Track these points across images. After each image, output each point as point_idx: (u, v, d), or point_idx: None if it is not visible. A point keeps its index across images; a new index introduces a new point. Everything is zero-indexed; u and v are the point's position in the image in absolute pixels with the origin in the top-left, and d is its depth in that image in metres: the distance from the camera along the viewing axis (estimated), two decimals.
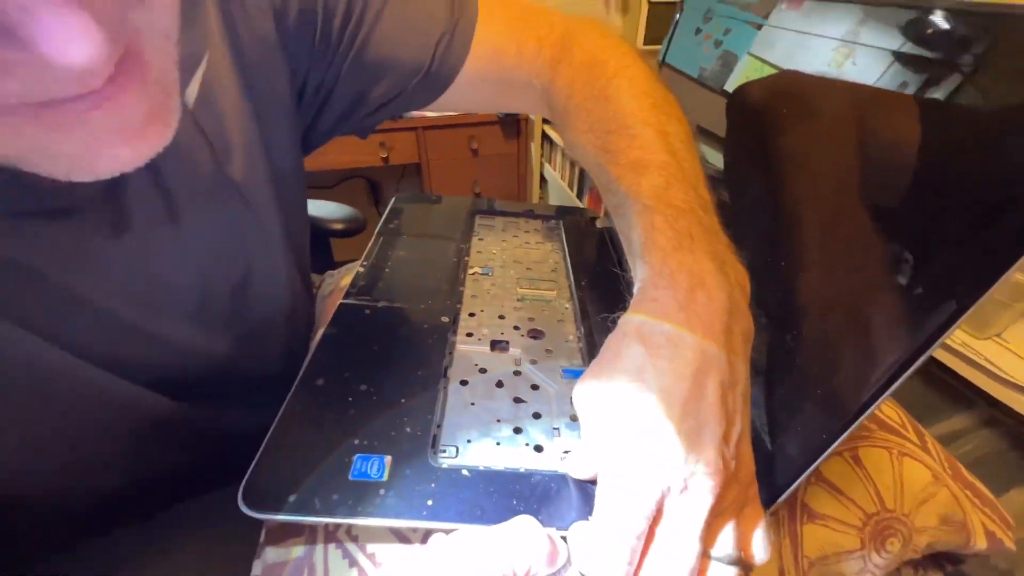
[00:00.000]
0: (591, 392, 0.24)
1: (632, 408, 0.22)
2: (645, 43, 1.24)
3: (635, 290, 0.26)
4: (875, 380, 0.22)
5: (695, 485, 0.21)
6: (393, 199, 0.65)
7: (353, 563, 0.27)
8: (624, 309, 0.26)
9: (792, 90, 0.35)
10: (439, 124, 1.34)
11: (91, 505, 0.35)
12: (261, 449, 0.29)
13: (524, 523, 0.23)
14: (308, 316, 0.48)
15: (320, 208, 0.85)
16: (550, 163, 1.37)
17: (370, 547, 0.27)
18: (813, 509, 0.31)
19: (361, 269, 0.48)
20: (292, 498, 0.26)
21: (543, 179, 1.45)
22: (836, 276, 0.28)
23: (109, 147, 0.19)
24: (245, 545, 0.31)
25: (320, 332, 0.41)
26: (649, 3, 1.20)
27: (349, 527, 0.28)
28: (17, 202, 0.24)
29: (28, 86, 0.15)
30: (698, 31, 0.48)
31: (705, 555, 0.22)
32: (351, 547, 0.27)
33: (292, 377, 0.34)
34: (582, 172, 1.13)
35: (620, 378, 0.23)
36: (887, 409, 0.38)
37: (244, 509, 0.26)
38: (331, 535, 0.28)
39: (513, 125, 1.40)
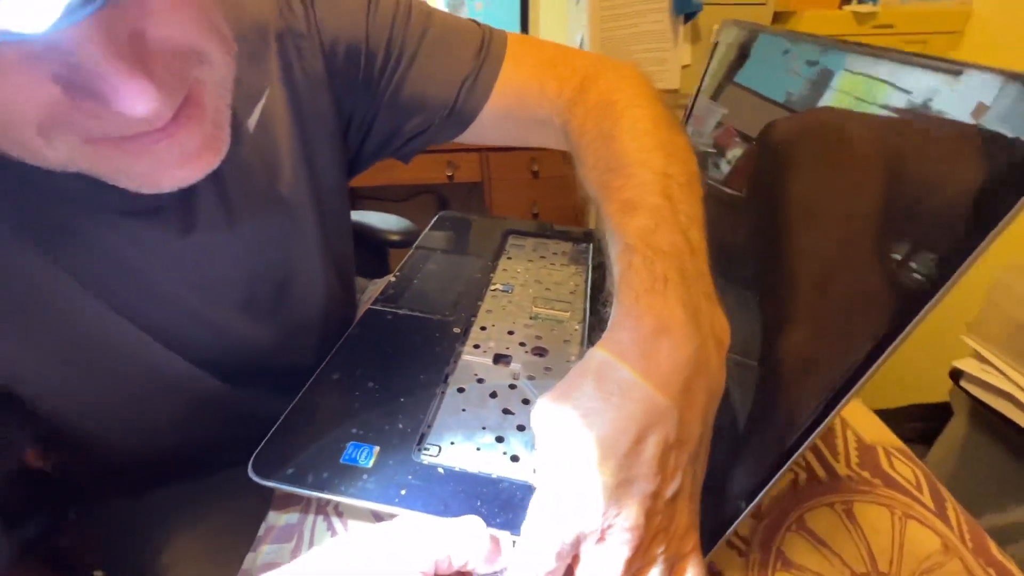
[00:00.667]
0: (544, 414, 0.25)
1: (570, 447, 0.22)
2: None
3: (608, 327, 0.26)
4: (802, 418, 0.22)
5: (611, 537, 0.21)
6: (437, 216, 0.69)
7: (334, 534, 0.30)
8: None
9: (821, 127, 0.35)
10: (502, 147, 1.40)
11: (150, 463, 0.42)
12: (274, 428, 0.34)
13: (470, 520, 0.25)
14: (346, 317, 0.53)
15: (379, 219, 0.93)
16: None
17: (351, 523, 0.31)
18: (788, 558, 0.30)
19: (392, 279, 0.53)
20: (290, 471, 0.31)
21: None
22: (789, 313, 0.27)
23: (169, 169, 0.25)
24: (261, 510, 0.36)
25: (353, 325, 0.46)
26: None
27: (336, 504, 0.32)
28: (119, 203, 0.31)
29: (109, 127, 0.21)
30: (786, 51, 0.46)
31: None
32: (335, 521, 0.31)
33: None
34: None
35: (570, 412, 0.23)
36: (901, 466, 0.36)
37: (251, 475, 0.30)
38: (321, 508, 0.31)
39: None
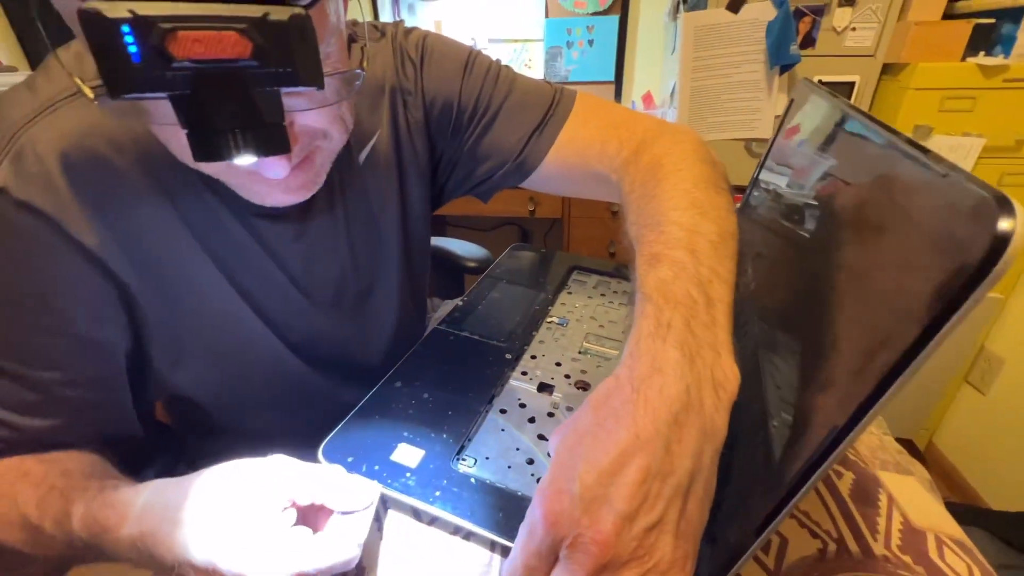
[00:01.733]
0: (557, 437, 0.27)
1: (561, 461, 0.24)
2: None
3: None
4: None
5: (579, 545, 0.22)
6: (509, 248, 0.75)
7: (376, 518, 0.35)
8: None
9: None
10: None
11: (243, 431, 0.51)
12: (343, 421, 0.40)
13: (332, 468, 0.31)
14: (415, 328, 0.61)
15: (459, 246, 1.00)
16: None
17: (390, 512, 0.35)
18: None
19: (460, 303, 0.59)
20: (350, 459, 0.36)
21: None
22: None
23: (273, 194, 0.36)
24: None
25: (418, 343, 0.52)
26: (820, 82, 1.15)
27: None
28: (255, 207, 0.39)
29: (256, 176, 0.29)
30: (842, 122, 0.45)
31: None
32: (379, 508, 0.35)
33: None
34: None
35: (570, 434, 0.25)
36: (953, 559, 0.33)
37: (321, 457, 0.36)
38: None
39: None
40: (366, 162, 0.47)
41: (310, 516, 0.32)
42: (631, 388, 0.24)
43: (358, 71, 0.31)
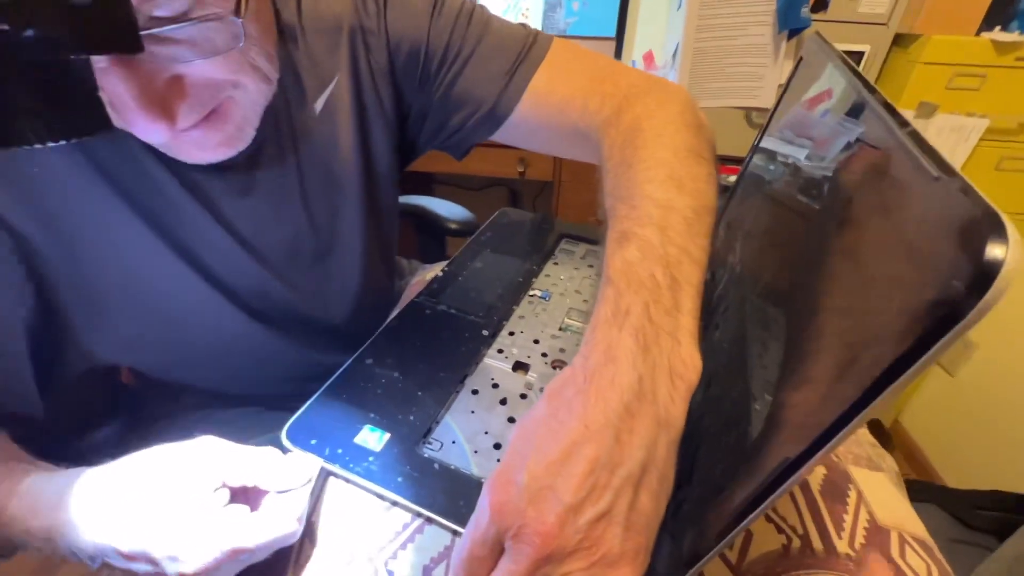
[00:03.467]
0: (516, 428, 0.26)
1: (516, 452, 0.24)
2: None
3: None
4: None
5: (522, 535, 0.21)
6: (497, 212, 0.72)
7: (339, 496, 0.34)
8: None
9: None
10: None
11: (200, 391, 0.49)
12: (308, 402, 0.38)
13: (266, 449, 0.30)
14: (383, 291, 0.57)
15: (443, 207, 0.96)
16: None
17: (353, 492, 0.34)
18: None
19: (439, 273, 0.56)
20: (313, 442, 0.35)
21: None
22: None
23: (192, 152, 0.34)
24: None
25: (392, 315, 0.50)
26: None
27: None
28: (189, 165, 0.37)
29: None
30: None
31: None
32: (342, 485, 0.34)
33: (367, 335, 0.45)
34: None
35: (527, 425, 0.24)
36: (914, 559, 0.33)
37: (284, 440, 0.35)
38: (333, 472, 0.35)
39: None
40: (323, 110, 0.43)
41: (245, 498, 0.31)
42: (583, 378, 0.23)
43: (233, 19, 0.28)
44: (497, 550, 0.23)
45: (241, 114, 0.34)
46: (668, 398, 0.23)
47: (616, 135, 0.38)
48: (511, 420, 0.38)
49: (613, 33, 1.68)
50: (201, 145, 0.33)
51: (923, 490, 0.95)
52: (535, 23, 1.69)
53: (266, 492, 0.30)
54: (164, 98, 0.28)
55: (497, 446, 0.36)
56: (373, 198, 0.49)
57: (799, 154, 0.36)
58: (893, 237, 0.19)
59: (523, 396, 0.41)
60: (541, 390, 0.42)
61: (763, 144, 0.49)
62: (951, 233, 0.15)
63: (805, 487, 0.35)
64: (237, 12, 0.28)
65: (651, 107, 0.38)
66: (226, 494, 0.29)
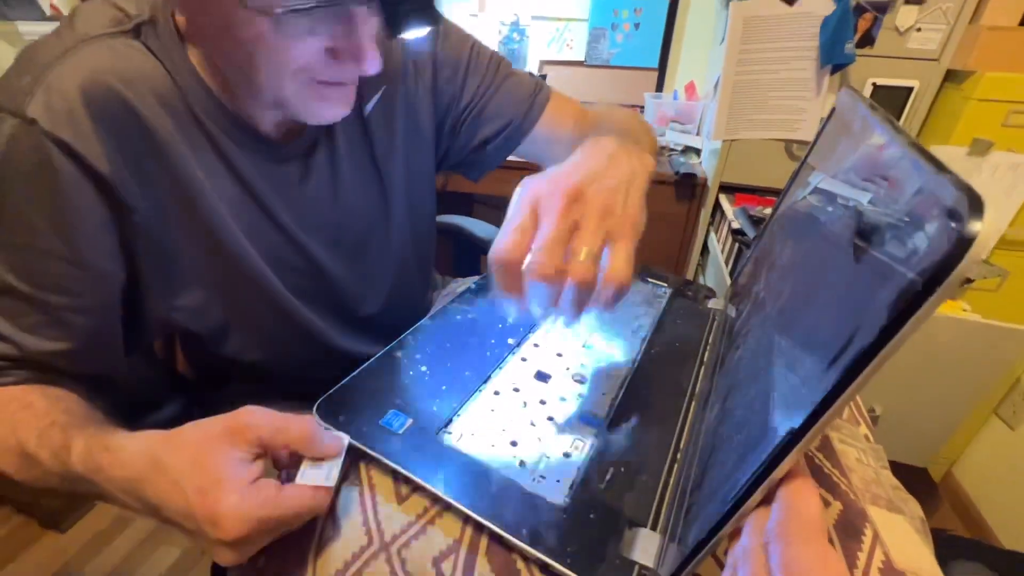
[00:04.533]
0: (534, 179, 0.34)
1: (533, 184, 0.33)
2: None
3: None
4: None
5: (550, 201, 0.32)
6: None
7: (358, 474, 0.36)
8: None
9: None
10: None
11: (246, 373, 0.55)
12: (339, 384, 0.41)
13: (305, 418, 0.32)
14: (416, 292, 0.64)
15: (479, 227, 1.00)
16: (716, 233, 1.32)
17: (374, 470, 0.37)
18: None
19: (473, 285, 0.59)
20: (342, 419, 0.38)
21: (705, 247, 1.40)
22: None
23: (335, 109, 0.42)
24: None
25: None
26: (875, 86, 1.09)
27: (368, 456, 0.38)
28: (266, 152, 0.45)
29: (342, 75, 0.39)
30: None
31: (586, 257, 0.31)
32: (362, 466, 0.37)
33: (398, 333, 0.49)
34: (740, 249, 1.08)
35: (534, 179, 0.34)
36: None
37: (315, 415, 0.38)
38: (359, 453, 0.38)
39: (688, 189, 1.40)
40: (373, 113, 0.51)
41: (284, 462, 0.34)
42: (580, 153, 0.37)
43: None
44: (533, 230, 0.31)
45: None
46: (638, 160, 0.37)
47: (587, 125, 0.57)
48: (529, 423, 0.40)
49: (656, 64, 1.72)
50: (346, 101, 0.42)
51: (971, 547, 0.88)
52: (579, 54, 1.75)
53: (301, 459, 0.33)
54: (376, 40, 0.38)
55: (514, 443, 0.38)
56: (412, 199, 0.57)
57: (819, 187, 0.37)
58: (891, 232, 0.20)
59: (543, 402, 0.43)
60: (562, 399, 0.43)
61: (795, 182, 0.50)
62: (936, 214, 0.16)
63: None
64: None
65: (614, 109, 0.59)
66: (265, 464, 0.31)
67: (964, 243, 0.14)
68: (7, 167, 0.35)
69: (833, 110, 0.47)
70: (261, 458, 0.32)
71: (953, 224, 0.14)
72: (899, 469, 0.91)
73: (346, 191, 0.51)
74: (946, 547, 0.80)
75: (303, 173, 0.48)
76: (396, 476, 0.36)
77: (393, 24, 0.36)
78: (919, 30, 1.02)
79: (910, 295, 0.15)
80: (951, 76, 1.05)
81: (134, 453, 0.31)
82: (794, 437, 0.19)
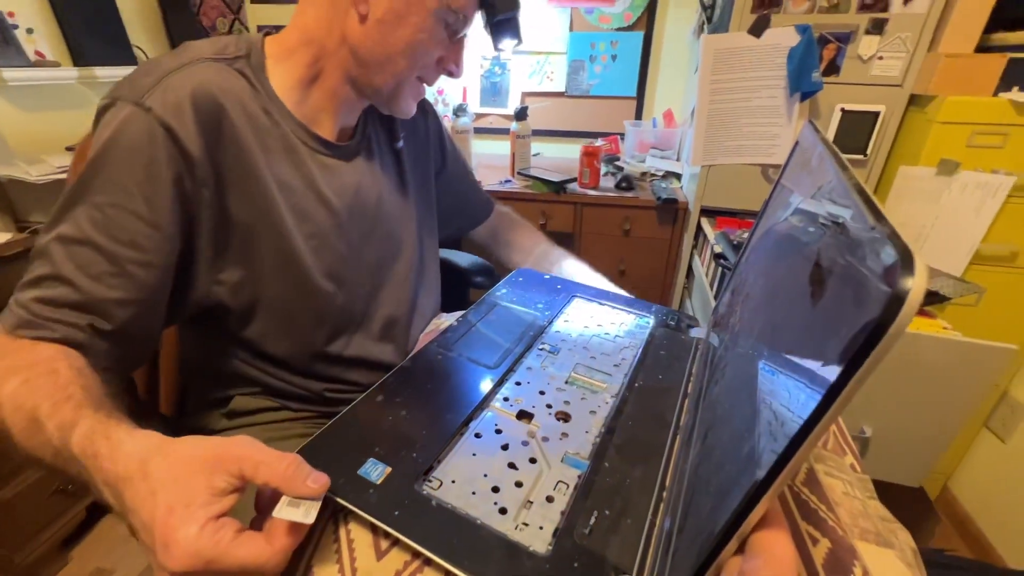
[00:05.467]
0: None
1: None
2: None
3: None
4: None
5: None
6: (515, 270, 0.75)
7: (335, 522, 0.35)
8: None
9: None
10: (598, 203, 1.44)
11: (272, 363, 0.57)
12: (319, 431, 0.41)
13: (290, 456, 0.31)
14: (429, 294, 0.72)
15: (467, 260, 1.01)
16: (700, 256, 1.34)
17: (352, 523, 0.36)
18: None
19: (454, 322, 0.59)
20: (319, 468, 0.37)
21: (690, 270, 1.42)
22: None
23: (413, 107, 0.58)
24: None
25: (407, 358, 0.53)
26: (843, 111, 1.13)
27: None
28: (315, 146, 0.55)
29: (435, 76, 0.57)
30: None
31: None
32: (340, 518, 0.36)
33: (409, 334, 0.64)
34: (723, 273, 1.09)
35: None
36: None
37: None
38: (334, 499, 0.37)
39: (670, 214, 1.42)
40: (401, 148, 0.66)
41: (265, 501, 0.33)
42: None
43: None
44: None
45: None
46: None
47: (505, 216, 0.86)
48: (511, 466, 0.40)
49: (634, 93, 1.77)
50: (417, 99, 0.58)
51: (974, 569, 0.87)
52: (559, 85, 1.80)
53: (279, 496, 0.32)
54: None
55: (495, 489, 0.37)
56: (422, 220, 0.69)
57: (780, 218, 0.38)
58: (837, 276, 0.21)
59: (524, 443, 0.42)
60: (544, 439, 0.43)
61: (767, 210, 0.51)
62: (875, 273, 0.16)
63: (809, 561, 0.35)
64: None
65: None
66: (240, 499, 0.31)
67: (897, 303, 0.14)
68: (115, 141, 0.42)
69: (797, 143, 0.49)
70: (237, 492, 0.31)
71: (886, 286, 0.15)
72: (894, 490, 0.91)
73: (383, 195, 0.61)
74: (947, 570, 0.79)
75: (351, 168, 0.58)
76: (375, 529, 0.35)
77: (495, 37, 0.54)
78: (881, 58, 1.07)
79: (851, 353, 0.15)
80: (915, 100, 1.09)
81: (130, 451, 0.32)
82: (760, 487, 0.19)
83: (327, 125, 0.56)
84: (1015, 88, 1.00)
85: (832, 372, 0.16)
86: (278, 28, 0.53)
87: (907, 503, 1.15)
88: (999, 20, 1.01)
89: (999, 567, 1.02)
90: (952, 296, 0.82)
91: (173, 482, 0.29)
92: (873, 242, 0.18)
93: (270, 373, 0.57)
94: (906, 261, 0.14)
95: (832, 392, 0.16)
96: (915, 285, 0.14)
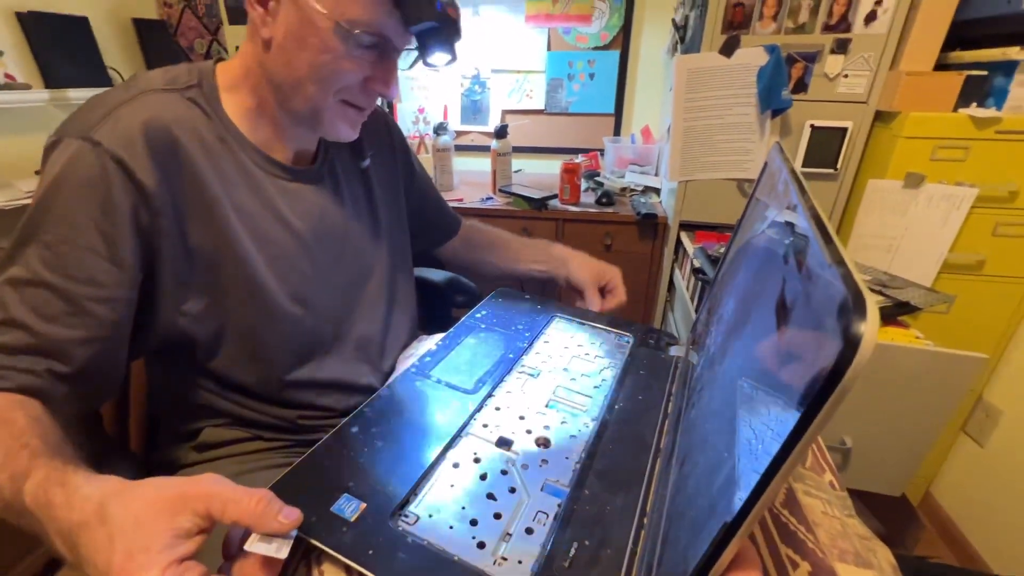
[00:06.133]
0: None
1: None
2: (804, 165, 1.19)
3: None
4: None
5: None
6: (494, 291, 0.74)
7: (308, 561, 0.34)
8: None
9: None
10: (579, 219, 1.45)
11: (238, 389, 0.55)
12: (293, 466, 0.39)
13: (259, 492, 0.30)
14: (407, 312, 0.71)
15: (448, 279, 1.00)
16: (680, 270, 1.36)
17: (326, 563, 0.35)
18: None
19: (433, 347, 0.59)
20: (292, 506, 0.36)
21: (672, 284, 1.43)
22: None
23: (348, 131, 0.55)
24: None
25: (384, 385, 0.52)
26: (812, 127, 1.16)
27: None
28: (274, 171, 0.54)
29: (365, 100, 0.53)
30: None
31: None
32: (313, 555, 0.35)
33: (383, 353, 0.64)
34: (703, 287, 1.10)
35: None
36: None
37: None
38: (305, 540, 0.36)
39: (651, 228, 1.44)
40: (367, 167, 0.65)
41: (235, 544, 0.32)
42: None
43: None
44: None
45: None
46: None
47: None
48: (490, 496, 0.39)
49: (612, 110, 1.80)
50: (355, 124, 0.55)
51: None
52: (539, 103, 1.82)
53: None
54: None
55: (474, 522, 0.36)
56: (394, 242, 0.68)
57: (747, 239, 0.39)
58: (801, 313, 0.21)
59: (504, 472, 0.42)
60: (523, 467, 0.42)
61: (742, 225, 0.52)
62: (829, 315, 0.17)
63: None
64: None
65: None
66: (198, 541, 0.30)
67: (851, 347, 0.14)
68: (64, 178, 0.42)
69: (766, 164, 0.50)
70: (204, 533, 0.30)
71: (840, 336, 0.15)
72: (877, 499, 0.91)
73: (350, 217, 0.61)
74: None
75: (314, 191, 0.57)
76: (348, 570, 0.34)
77: (422, 51, 0.50)
78: (846, 76, 1.10)
79: (809, 400, 0.15)
80: (880, 117, 1.13)
81: (86, 496, 0.30)
82: (728, 530, 0.19)
83: (282, 150, 0.55)
84: (973, 104, 1.04)
85: (791, 419, 0.16)
86: None
87: (890, 513, 1.16)
88: (955, 39, 1.06)
89: (984, 572, 1.03)
90: (923, 306, 0.83)
91: (133, 526, 0.28)
92: (828, 285, 0.18)
93: (240, 403, 0.55)
94: (859, 307, 0.15)
95: (792, 439, 0.16)
96: (867, 331, 0.14)
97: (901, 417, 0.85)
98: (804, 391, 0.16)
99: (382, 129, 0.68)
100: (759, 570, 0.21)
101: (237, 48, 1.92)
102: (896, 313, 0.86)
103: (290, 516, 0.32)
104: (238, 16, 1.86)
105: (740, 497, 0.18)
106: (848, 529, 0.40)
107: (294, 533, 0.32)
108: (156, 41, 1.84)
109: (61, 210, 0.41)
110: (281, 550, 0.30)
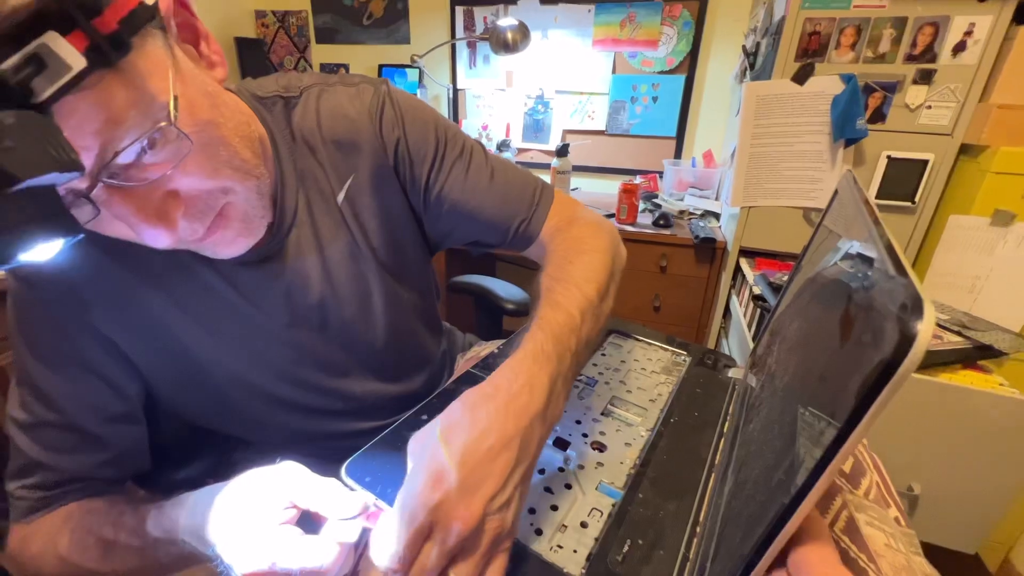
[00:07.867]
0: (420, 434, 0.33)
1: (437, 456, 0.30)
2: (878, 196, 1.14)
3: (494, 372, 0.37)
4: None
5: (449, 523, 0.29)
6: None
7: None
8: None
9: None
10: (635, 239, 1.46)
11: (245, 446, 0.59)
12: (368, 445, 0.43)
13: (330, 481, 0.35)
14: (421, 350, 0.63)
15: (501, 288, 1.04)
16: (738, 296, 1.33)
17: None
18: None
19: (495, 350, 0.62)
20: (368, 479, 0.39)
21: (728, 310, 1.40)
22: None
23: (221, 250, 0.42)
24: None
25: (448, 381, 0.55)
26: (889, 158, 1.12)
27: None
28: (232, 262, 0.45)
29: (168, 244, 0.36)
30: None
31: None
32: None
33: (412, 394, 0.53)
34: (761, 315, 1.08)
35: (446, 430, 0.31)
36: None
37: (344, 476, 0.40)
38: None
39: (708, 252, 1.42)
40: (346, 201, 0.51)
41: (314, 520, 0.36)
42: (505, 399, 0.32)
43: (169, 125, 0.30)
44: (424, 540, 0.29)
45: (243, 211, 0.40)
46: (550, 422, 0.35)
47: (563, 239, 0.53)
48: (547, 490, 0.41)
49: (674, 133, 1.80)
50: (223, 243, 0.41)
51: None
52: (600, 124, 1.85)
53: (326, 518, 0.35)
54: (162, 210, 0.34)
55: (532, 511, 0.39)
56: (402, 275, 0.57)
57: (819, 265, 0.39)
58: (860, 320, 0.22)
59: (561, 469, 0.44)
60: (579, 467, 0.44)
61: (808, 253, 0.52)
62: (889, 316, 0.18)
63: None
64: (168, 119, 0.31)
65: (591, 227, 0.54)
66: (290, 514, 0.34)
67: (906, 343, 0.16)
68: (18, 320, 0.43)
69: (836, 192, 0.50)
70: (288, 509, 0.35)
71: (900, 328, 0.16)
72: (947, 556, 0.85)
73: (335, 264, 0.51)
74: None
75: (278, 272, 0.48)
76: None
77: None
78: (930, 107, 1.06)
79: (864, 390, 0.17)
80: (966, 150, 1.07)
81: (199, 499, 0.36)
82: (797, 495, 0.20)
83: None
84: None
85: (849, 405, 0.18)
86: (337, 67, 0.51)
87: (962, 572, 1.06)
88: None
89: None
90: (1008, 351, 0.78)
91: (231, 536, 0.34)
92: (891, 292, 0.19)
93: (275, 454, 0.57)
94: (916, 307, 0.16)
95: (855, 415, 0.18)
96: (923, 328, 0.16)
97: (978, 468, 0.79)
98: (861, 383, 0.18)
99: (361, 145, 0.51)
100: (831, 542, 0.22)
101: (322, 67, 2.08)
102: (977, 356, 0.81)
103: (360, 502, 0.35)
104: (325, 36, 2.03)
105: (807, 467, 0.20)
106: (913, 565, 0.39)
107: (360, 519, 0.35)
108: (252, 58, 2.03)
109: (32, 350, 0.43)
110: (352, 534, 0.34)
